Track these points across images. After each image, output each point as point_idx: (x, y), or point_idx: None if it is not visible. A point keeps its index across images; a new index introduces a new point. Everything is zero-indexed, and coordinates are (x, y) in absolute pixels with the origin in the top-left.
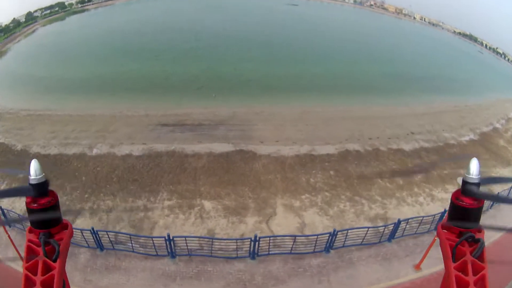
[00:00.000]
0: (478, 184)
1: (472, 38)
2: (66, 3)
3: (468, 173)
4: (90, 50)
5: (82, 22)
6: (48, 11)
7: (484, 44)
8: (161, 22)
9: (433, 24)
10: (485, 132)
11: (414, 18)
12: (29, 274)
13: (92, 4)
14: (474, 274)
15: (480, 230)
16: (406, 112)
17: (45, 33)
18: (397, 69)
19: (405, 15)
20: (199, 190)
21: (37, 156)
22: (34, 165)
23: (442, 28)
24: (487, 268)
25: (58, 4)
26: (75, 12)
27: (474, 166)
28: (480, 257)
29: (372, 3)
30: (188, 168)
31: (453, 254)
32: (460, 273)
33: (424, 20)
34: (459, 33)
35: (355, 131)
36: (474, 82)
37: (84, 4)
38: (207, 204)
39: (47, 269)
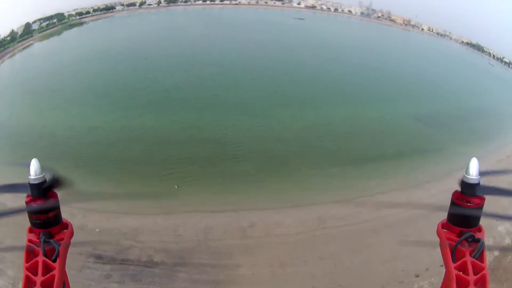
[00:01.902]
0: (478, 184)
1: (479, 48)
2: (65, 14)
3: (468, 173)
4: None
5: (72, 43)
6: (47, 23)
7: (492, 55)
8: (154, 42)
9: (441, 35)
10: None
11: (422, 29)
12: (29, 274)
13: (91, 16)
14: (474, 274)
15: (480, 230)
16: None
17: (32, 55)
18: (427, 109)
19: (413, 26)
20: None
21: None
22: (34, 165)
23: (450, 39)
24: (487, 268)
25: (57, 15)
26: (71, 26)
27: (473, 166)
28: (480, 257)
29: (379, 14)
30: None
31: (453, 254)
32: (460, 273)
33: (432, 31)
34: (467, 43)
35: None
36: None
37: (82, 16)
38: None
39: (47, 269)
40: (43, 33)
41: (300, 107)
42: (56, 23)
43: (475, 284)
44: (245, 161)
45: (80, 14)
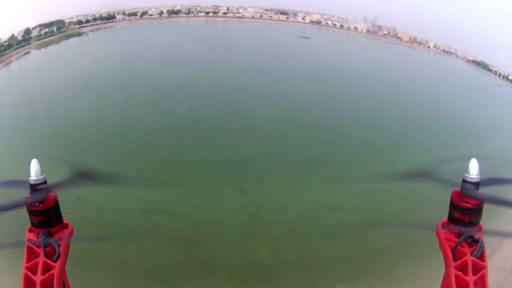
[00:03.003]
0: (478, 184)
1: (485, 66)
2: (66, 21)
3: (468, 172)
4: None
5: (64, 59)
6: (46, 30)
7: (498, 73)
8: (144, 68)
9: (447, 52)
10: None
11: (429, 46)
12: (29, 274)
13: (91, 25)
14: (474, 274)
15: (480, 230)
16: None
17: (23, 69)
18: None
19: (419, 44)
20: None
21: None
22: (34, 166)
23: (456, 56)
24: (487, 268)
25: (57, 22)
26: (69, 36)
27: (473, 166)
28: (481, 256)
29: (385, 32)
30: None
31: (453, 254)
32: (460, 273)
33: (438, 48)
34: (472, 61)
35: None
36: None
37: (81, 25)
38: None
39: (47, 269)
40: (41, 41)
41: (301, 177)
42: (54, 31)
43: (475, 284)
44: (221, 272)
45: (79, 22)
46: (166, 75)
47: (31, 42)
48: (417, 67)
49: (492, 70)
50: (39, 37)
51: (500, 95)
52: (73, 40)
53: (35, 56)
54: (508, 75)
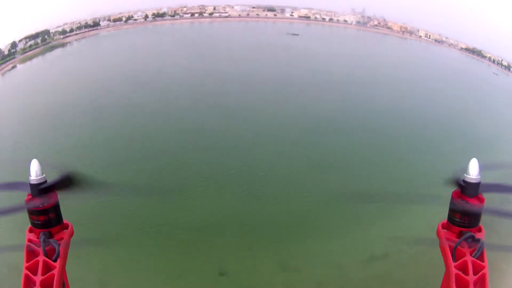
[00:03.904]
0: (478, 184)
1: (479, 53)
2: (51, 31)
3: (468, 172)
4: None
5: (46, 75)
6: (31, 42)
7: (493, 59)
8: (123, 86)
9: (439, 41)
10: None
11: (420, 36)
12: (29, 274)
13: (75, 34)
14: (474, 273)
15: (480, 230)
16: None
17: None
18: None
19: (410, 33)
20: None
21: None
22: (34, 165)
23: (449, 45)
24: (487, 268)
25: (43, 32)
26: (52, 48)
27: (473, 166)
28: (480, 257)
29: (375, 23)
30: None
31: (453, 254)
32: (460, 273)
33: (429, 38)
34: (466, 49)
35: None
36: None
37: (65, 35)
38: None
39: (47, 269)
40: (25, 54)
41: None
42: (39, 44)
43: (475, 283)
44: None
45: (64, 32)
46: (139, 98)
47: (15, 56)
48: (410, 61)
49: (486, 57)
50: (24, 50)
51: (499, 86)
52: (57, 52)
53: (20, 71)
54: (502, 60)
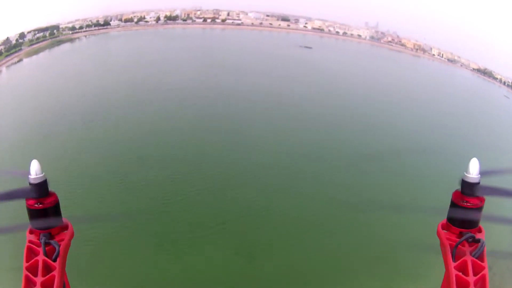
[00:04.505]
0: (478, 184)
1: (490, 75)
2: (61, 26)
3: (468, 172)
4: None
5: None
6: (39, 35)
7: (503, 81)
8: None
9: (451, 61)
10: None
11: (433, 54)
12: (29, 275)
13: (84, 31)
14: (475, 274)
15: (480, 230)
16: None
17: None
18: None
19: (423, 51)
20: None
21: None
22: (34, 165)
23: (461, 65)
24: (487, 268)
25: (52, 27)
26: (59, 42)
27: (474, 166)
28: (481, 257)
29: (390, 39)
30: None
31: (453, 254)
32: (460, 273)
33: (442, 56)
34: (477, 70)
35: None
36: None
37: (74, 31)
38: None
39: (47, 269)
40: (32, 47)
41: None
42: (47, 37)
43: (475, 284)
44: None
45: (73, 28)
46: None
47: (22, 48)
48: (424, 83)
49: (496, 78)
50: (31, 42)
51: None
52: (64, 46)
53: (26, 65)
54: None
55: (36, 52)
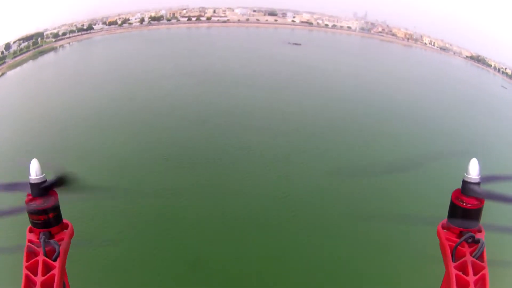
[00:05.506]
0: (478, 184)
1: (483, 62)
2: (45, 33)
3: (468, 172)
4: None
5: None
6: (25, 44)
7: (498, 68)
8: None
9: (443, 49)
10: None
11: (425, 43)
12: (29, 274)
13: (67, 38)
14: (474, 274)
15: (480, 230)
16: None
17: None
18: None
19: (415, 40)
20: None
21: None
22: (34, 165)
23: (453, 53)
24: (487, 268)
25: (37, 35)
26: (42, 52)
27: (473, 166)
28: (480, 257)
29: (380, 29)
30: None
31: (453, 254)
32: (460, 273)
33: (434, 45)
34: (470, 57)
35: None
36: None
37: (57, 39)
38: None
39: (47, 269)
40: (15, 59)
41: None
42: (30, 47)
43: (475, 284)
44: None
45: (56, 35)
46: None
47: (5, 61)
48: (418, 73)
49: (490, 65)
50: (14, 53)
51: (509, 101)
52: (47, 57)
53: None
54: (506, 68)
55: (20, 64)
